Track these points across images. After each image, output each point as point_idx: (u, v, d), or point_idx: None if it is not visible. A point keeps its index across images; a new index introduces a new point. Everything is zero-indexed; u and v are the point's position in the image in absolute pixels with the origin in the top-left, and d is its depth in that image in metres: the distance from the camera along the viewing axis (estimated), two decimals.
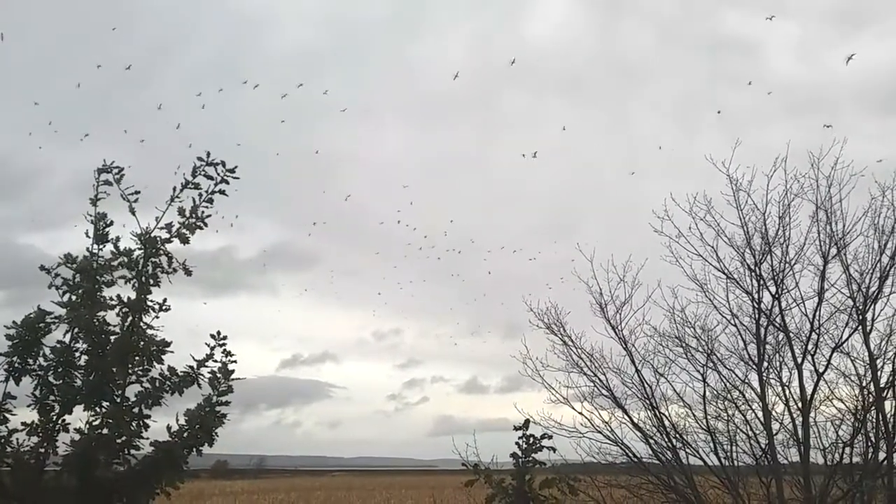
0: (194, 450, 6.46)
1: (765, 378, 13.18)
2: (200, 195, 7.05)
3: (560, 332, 14.28)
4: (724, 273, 13.60)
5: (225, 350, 6.78)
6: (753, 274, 13.29)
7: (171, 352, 6.68)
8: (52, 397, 6.30)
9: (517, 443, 7.74)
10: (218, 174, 7.07)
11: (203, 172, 7.05)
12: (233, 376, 6.70)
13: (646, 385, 13.86)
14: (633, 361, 13.97)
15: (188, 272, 6.96)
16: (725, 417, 13.84)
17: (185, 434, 6.41)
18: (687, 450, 13.73)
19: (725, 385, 13.93)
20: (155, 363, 6.60)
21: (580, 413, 13.92)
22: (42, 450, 6.21)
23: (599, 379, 14.03)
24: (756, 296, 13.26)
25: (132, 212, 6.93)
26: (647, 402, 13.85)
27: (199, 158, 7.05)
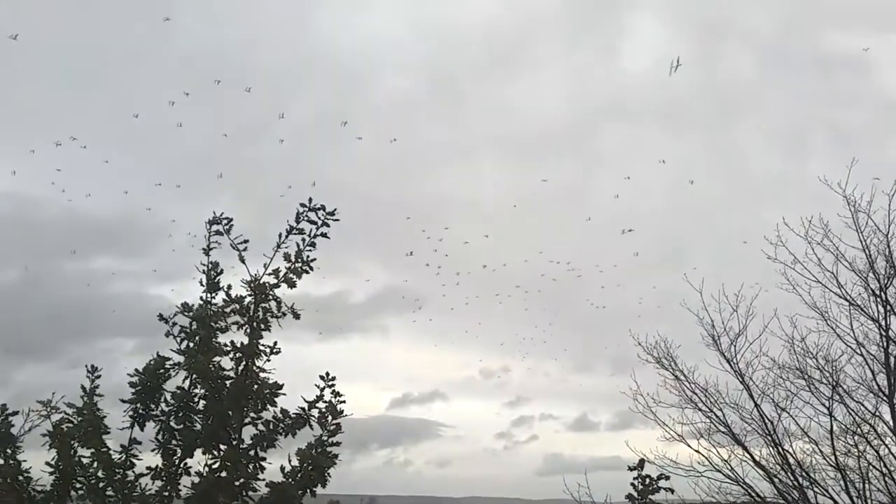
0: (308, 490, 6.50)
1: None
2: (304, 240, 7.24)
3: (671, 367, 13.78)
4: (846, 299, 12.84)
5: (334, 391, 6.85)
6: (879, 299, 12.49)
7: (284, 394, 6.81)
8: (173, 441, 6.51)
9: (633, 484, 7.39)
10: (320, 218, 7.25)
11: (306, 217, 7.24)
12: (342, 416, 6.75)
13: (766, 420, 13.12)
14: (751, 395, 13.29)
15: (296, 316, 7.11)
16: (856, 453, 12.89)
17: (299, 475, 6.46)
18: (815, 489, 12.83)
19: (854, 419, 13.03)
20: (268, 406, 6.73)
21: (697, 451, 13.28)
22: (166, 493, 6.40)
23: (716, 415, 13.39)
24: (883, 323, 12.43)
25: (242, 260, 7.18)
26: (769, 438, 13.09)
27: (302, 204, 7.26)
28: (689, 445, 13.34)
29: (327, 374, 6.92)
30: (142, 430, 6.50)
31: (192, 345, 6.78)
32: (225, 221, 7.20)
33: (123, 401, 6.54)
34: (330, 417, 6.71)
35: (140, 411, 6.52)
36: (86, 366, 6.70)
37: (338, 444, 6.71)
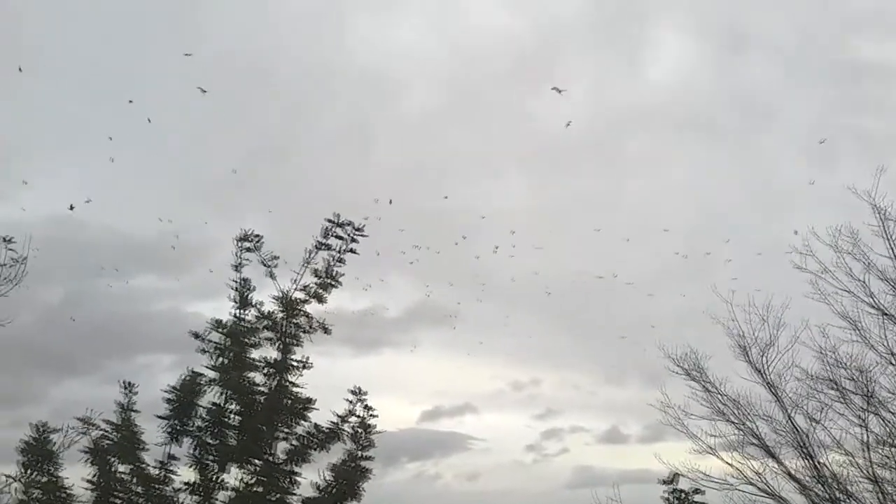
0: None
1: None
2: (333, 256, 7.32)
3: (701, 379, 13.57)
4: (878, 309, 12.58)
5: (365, 405, 6.91)
6: None
7: (316, 409, 6.87)
8: (209, 457, 6.59)
9: (666, 498, 7.35)
10: (348, 234, 7.33)
11: (334, 233, 7.32)
12: (374, 430, 6.80)
13: (799, 432, 12.86)
14: (783, 407, 13.03)
15: (327, 331, 7.19)
16: (892, 465, 12.61)
17: (333, 490, 6.51)
18: (851, 501, 12.55)
19: (889, 430, 12.73)
20: (301, 420, 6.79)
21: (729, 464, 13.06)
22: None
23: (747, 426, 13.16)
24: None
25: (272, 276, 7.28)
26: (803, 450, 12.83)
27: (329, 220, 7.34)
28: (721, 458, 13.10)
29: (358, 388, 6.98)
30: (179, 445, 6.59)
31: (225, 361, 6.87)
32: (255, 238, 7.31)
33: (160, 417, 6.64)
34: (362, 432, 6.76)
35: (176, 427, 6.61)
36: (122, 382, 6.82)
37: (370, 458, 6.76)
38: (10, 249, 10.01)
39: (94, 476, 6.43)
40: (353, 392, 6.92)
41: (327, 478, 6.55)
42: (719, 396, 13.56)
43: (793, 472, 13.08)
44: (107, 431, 6.58)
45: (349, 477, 6.51)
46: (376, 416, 6.83)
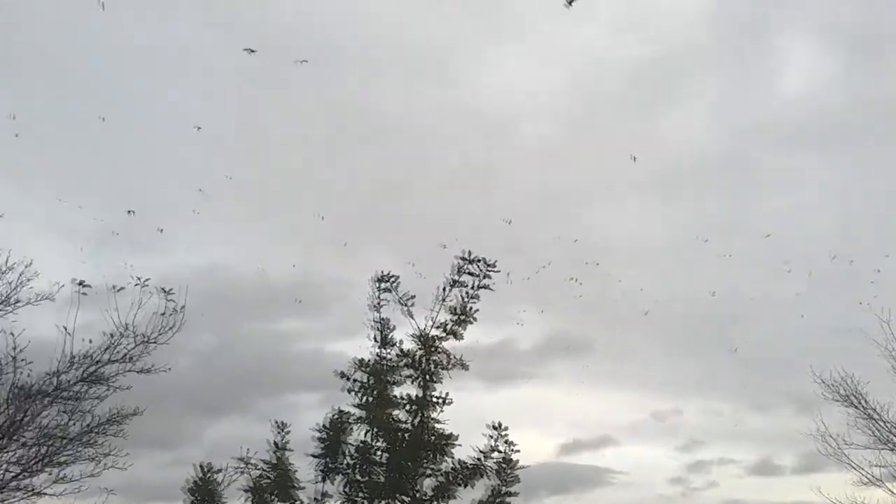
0: None
1: None
2: (467, 292, 7.41)
3: (860, 405, 12.61)
4: None
5: (507, 440, 6.91)
6: None
7: (458, 444, 6.93)
8: (359, 494, 6.79)
9: None
10: (480, 270, 7.40)
11: (466, 270, 7.42)
12: (517, 466, 6.78)
13: None
14: None
15: (465, 367, 7.27)
16: None
17: None
18: None
19: None
20: (444, 456, 6.87)
21: None
22: None
23: None
24: None
25: (409, 315, 7.47)
26: None
27: (461, 258, 7.45)
28: (889, 490, 12.06)
29: (499, 423, 6.99)
30: (331, 483, 6.83)
31: (369, 399, 7.08)
32: (392, 279, 7.54)
33: (312, 455, 6.92)
34: (506, 467, 6.76)
35: (327, 465, 6.86)
36: (274, 422, 7.18)
37: (515, 494, 6.74)
38: (170, 300, 10.83)
39: None
40: (493, 427, 6.95)
41: None
42: (883, 424, 12.53)
43: None
44: (264, 470, 6.92)
45: None
46: (518, 451, 6.81)
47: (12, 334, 10.65)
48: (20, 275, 10.90)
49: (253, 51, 15.58)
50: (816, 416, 12.79)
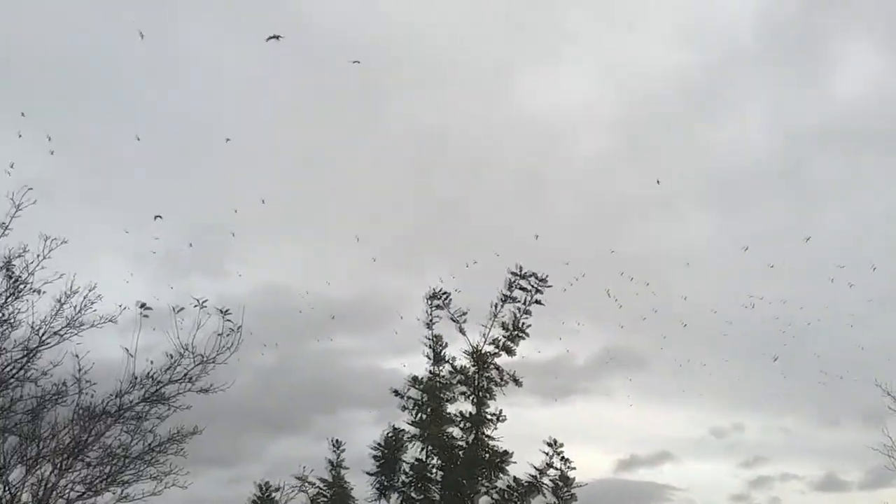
0: None
1: None
2: (519, 308, 7.38)
3: None
4: None
5: (563, 457, 6.83)
6: None
7: (514, 462, 6.88)
8: None
9: None
10: (532, 286, 7.37)
11: (518, 285, 7.39)
12: (574, 483, 6.68)
13: None
14: None
15: (518, 383, 7.23)
16: None
17: None
18: None
19: None
20: (500, 474, 6.82)
21: None
22: None
23: None
24: None
25: (462, 332, 7.47)
26: None
27: (513, 273, 7.43)
28: None
29: (554, 440, 6.92)
30: (388, 500, 6.85)
31: (424, 416, 7.09)
32: (444, 296, 7.56)
33: (368, 473, 6.95)
34: (562, 485, 6.67)
35: (384, 483, 6.88)
36: (331, 440, 7.25)
37: None
38: (227, 320, 11.03)
39: None
40: (549, 444, 6.88)
41: None
42: None
43: None
44: (321, 489, 6.98)
45: None
46: (574, 468, 6.72)
47: (77, 356, 10.97)
48: (84, 297, 11.22)
49: (279, 37, 15.09)
50: (884, 429, 12.29)
